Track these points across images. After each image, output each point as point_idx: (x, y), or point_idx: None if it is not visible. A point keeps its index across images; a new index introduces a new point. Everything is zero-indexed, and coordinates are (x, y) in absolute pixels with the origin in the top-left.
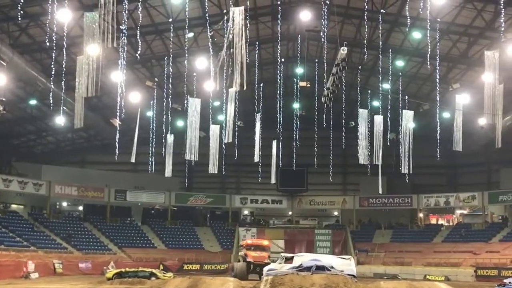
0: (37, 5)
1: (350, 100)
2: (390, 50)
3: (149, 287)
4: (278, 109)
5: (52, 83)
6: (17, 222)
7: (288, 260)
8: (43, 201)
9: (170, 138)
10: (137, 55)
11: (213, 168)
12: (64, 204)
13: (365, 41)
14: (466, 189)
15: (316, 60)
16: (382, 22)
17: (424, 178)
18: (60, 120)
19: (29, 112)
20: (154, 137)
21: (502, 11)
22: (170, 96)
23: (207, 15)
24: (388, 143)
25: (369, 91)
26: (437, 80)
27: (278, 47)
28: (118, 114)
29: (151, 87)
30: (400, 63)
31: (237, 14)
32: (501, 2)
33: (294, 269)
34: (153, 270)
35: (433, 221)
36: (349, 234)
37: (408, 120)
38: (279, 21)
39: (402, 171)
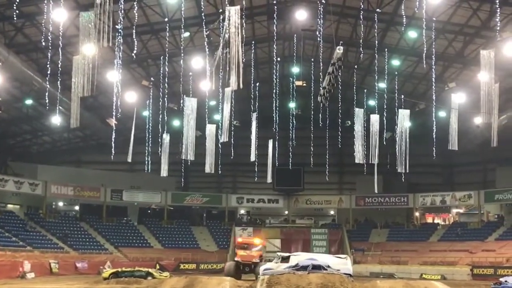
0: (32, 5)
1: (346, 99)
2: (386, 49)
3: (145, 287)
4: (274, 108)
5: (48, 83)
6: (13, 222)
7: (285, 259)
8: (39, 201)
9: (166, 137)
10: (133, 54)
11: (209, 168)
12: (60, 204)
13: (361, 40)
14: (462, 188)
15: (312, 60)
16: (378, 21)
17: (420, 177)
18: (56, 120)
19: (25, 111)
20: (150, 136)
21: (498, 10)
22: (166, 96)
23: (203, 14)
24: (384, 142)
25: (365, 90)
26: (433, 79)
27: (274, 46)
28: (114, 113)
29: (147, 86)
30: (396, 62)
31: (233, 13)
32: (497, 1)
33: (290, 268)
34: (150, 270)
35: (429, 220)
36: (345, 233)
37: (404, 119)
38: (275, 21)
39: (398, 170)
